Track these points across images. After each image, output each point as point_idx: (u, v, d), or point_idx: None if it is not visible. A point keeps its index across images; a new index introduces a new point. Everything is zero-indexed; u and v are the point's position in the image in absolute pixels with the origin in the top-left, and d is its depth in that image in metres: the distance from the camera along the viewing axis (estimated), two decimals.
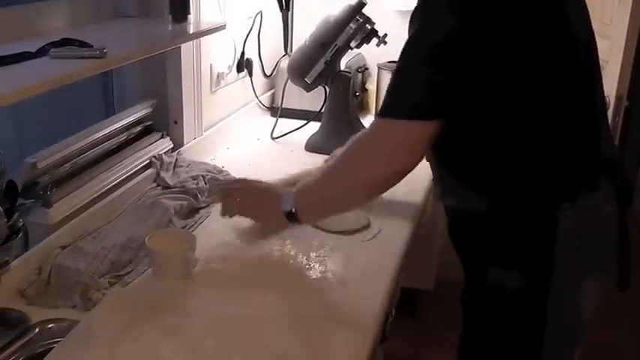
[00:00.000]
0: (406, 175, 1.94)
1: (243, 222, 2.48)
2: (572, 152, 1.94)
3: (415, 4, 1.92)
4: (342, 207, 2.19)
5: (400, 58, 1.90)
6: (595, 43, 2.03)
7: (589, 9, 2.02)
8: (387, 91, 1.92)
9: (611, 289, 2.08)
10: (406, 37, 1.97)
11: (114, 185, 2.56)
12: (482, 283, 2.06)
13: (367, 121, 3.63)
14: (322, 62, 3.16)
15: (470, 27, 1.76)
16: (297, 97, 3.59)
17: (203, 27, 2.77)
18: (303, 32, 3.37)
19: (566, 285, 1.97)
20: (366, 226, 2.49)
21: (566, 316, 2.02)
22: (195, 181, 2.69)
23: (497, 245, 2.01)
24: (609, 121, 2.87)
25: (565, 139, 1.92)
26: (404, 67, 1.89)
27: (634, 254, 2.07)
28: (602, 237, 2.01)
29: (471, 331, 2.21)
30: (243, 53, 3.49)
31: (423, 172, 2.09)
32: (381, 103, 3.49)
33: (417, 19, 1.87)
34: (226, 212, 2.32)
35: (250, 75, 3.61)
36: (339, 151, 2.19)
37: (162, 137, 2.93)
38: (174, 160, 2.86)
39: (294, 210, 2.13)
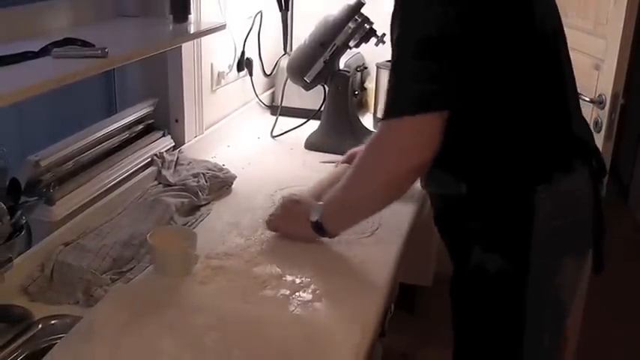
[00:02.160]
0: (424, 169, 1.96)
1: (242, 220, 2.52)
2: (544, 136, 1.99)
3: (394, 5, 1.97)
4: (366, 212, 2.22)
5: (392, 59, 1.93)
6: (563, 34, 2.09)
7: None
8: (388, 92, 1.93)
9: (604, 284, 2.10)
10: None
11: (116, 183, 2.57)
12: (466, 267, 2.11)
13: (366, 119, 3.68)
14: (321, 61, 3.17)
15: (447, 18, 1.81)
16: (296, 95, 3.61)
17: (204, 27, 2.78)
18: (303, 32, 3.38)
19: (544, 265, 2.01)
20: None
21: (546, 296, 2.06)
22: (196, 179, 2.70)
23: (479, 228, 2.06)
24: (606, 118, 2.89)
25: (537, 124, 1.98)
26: (398, 66, 1.92)
27: (623, 248, 2.09)
28: (578, 218, 2.06)
29: (460, 317, 2.27)
30: (243, 53, 3.51)
31: None
32: (381, 103, 3.55)
33: (399, 17, 1.91)
34: (267, 224, 2.41)
35: (250, 74, 3.63)
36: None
37: (163, 136, 2.94)
38: (175, 159, 2.87)
39: (319, 220, 2.20)
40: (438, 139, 1.88)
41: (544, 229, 1.97)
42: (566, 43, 2.10)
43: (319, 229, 2.23)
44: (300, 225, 2.27)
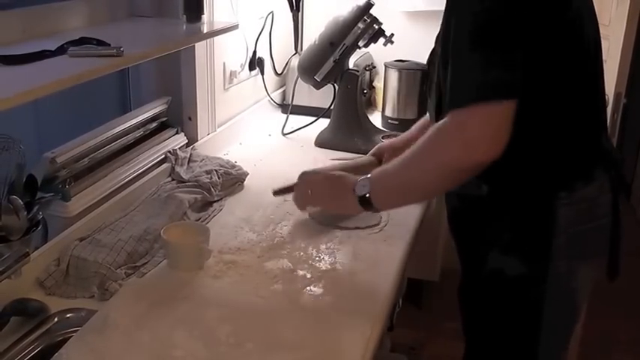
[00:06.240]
0: (487, 164, 1.80)
1: (254, 216, 2.55)
2: (573, 143, 1.96)
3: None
4: (417, 195, 2.12)
5: (454, 49, 1.84)
6: (600, 41, 2.05)
7: None
8: (452, 82, 1.84)
9: (606, 280, 2.12)
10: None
11: (130, 179, 2.58)
12: (480, 270, 2.09)
13: (374, 117, 3.72)
14: (331, 61, 3.19)
15: (505, 12, 1.75)
16: (307, 94, 3.65)
17: (216, 27, 2.79)
18: (313, 32, 3.41)
19: (563, 270, 2.00)
20: (377, 224, 2.50)
21: (562, 300, 2.05)
22: (209, 176, 2.71)
23: (497, 231, 2.03)
24: (608, 118, 2.90)
25: (568, 131, 1.94)
26: (462, 55, 1.82)
27: (625, 244, 2.10)
28: (597, 225, 2.03)
29: (472, 320, 2.26)
30: (255, 52, 3.53)
31: None
32: (389, 101, 3.57)
33: (457, 8, 1.85)
34: (298, 203, 2.34)
35: (262, 73, 3.66)
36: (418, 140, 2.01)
37: (176, 133, 2.95)
38: (188, 155, 2.88)
39: (368, 195, 2.07)
40: (508, 133, 1.77)
41: (564, 234, 1.96)
42: (602, 51, 2.06)
43: (366, 203, 2.07)
44: (345, 198, 2.12)
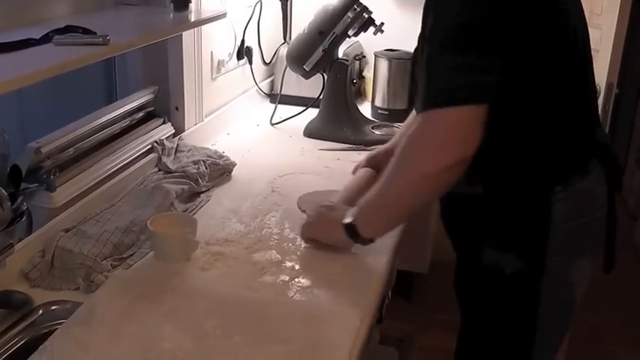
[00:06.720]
0: (464, 166, 1.83)
1: (242, 206, 2.53)
2: (567, 137, 1.96)
3: None
4: (400, 211, 2.08)
5: (429, 49, 1.85)
6: (588, 33, 2.05)
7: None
8: (425, 83, 1.85)
9: (597, 273, 2.12)
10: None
11: (116, 170, 2.57)
12: (477, 266, 2.07)
13: (364, 107, 3.71)
14: (320, 50, 3.19)
15: (483, 13, 1.77)
16: (295, 84, 3.63)
17: (204, 15, 2.77)
18: (302, 21, 3.40)
19: (560, 265, 2.00)
20: None
21: (559, 296, 2.05)
22: (196, 166, 2.70)
23: (493, 228, 2.02)
24: (600, 108, 2.90)
25: (561, 125, 1.94)
26: (435, 57, 1.84)
27: (620, 237, 2.10)
28: (593, 218, 2.03)
29: (468, 315, 2.23)
30: (243, 41, 3.51)
31: None
32: (378, 91, 3.55)
33: (435, 7, 1.86)
34: (302, 237, 2.32)
35: (250, 62, 3.63)
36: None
37: (163, 123, 2.94)
38: (175, 146, 2.87)
39: (353, 222, 2.09)
40: (480, 134, 1.80)
41: (561, 229, 1.95)
42: (590, 43, 2.06)
43: (352, 232, 2.10)
44: (334, 230, 2.15)
